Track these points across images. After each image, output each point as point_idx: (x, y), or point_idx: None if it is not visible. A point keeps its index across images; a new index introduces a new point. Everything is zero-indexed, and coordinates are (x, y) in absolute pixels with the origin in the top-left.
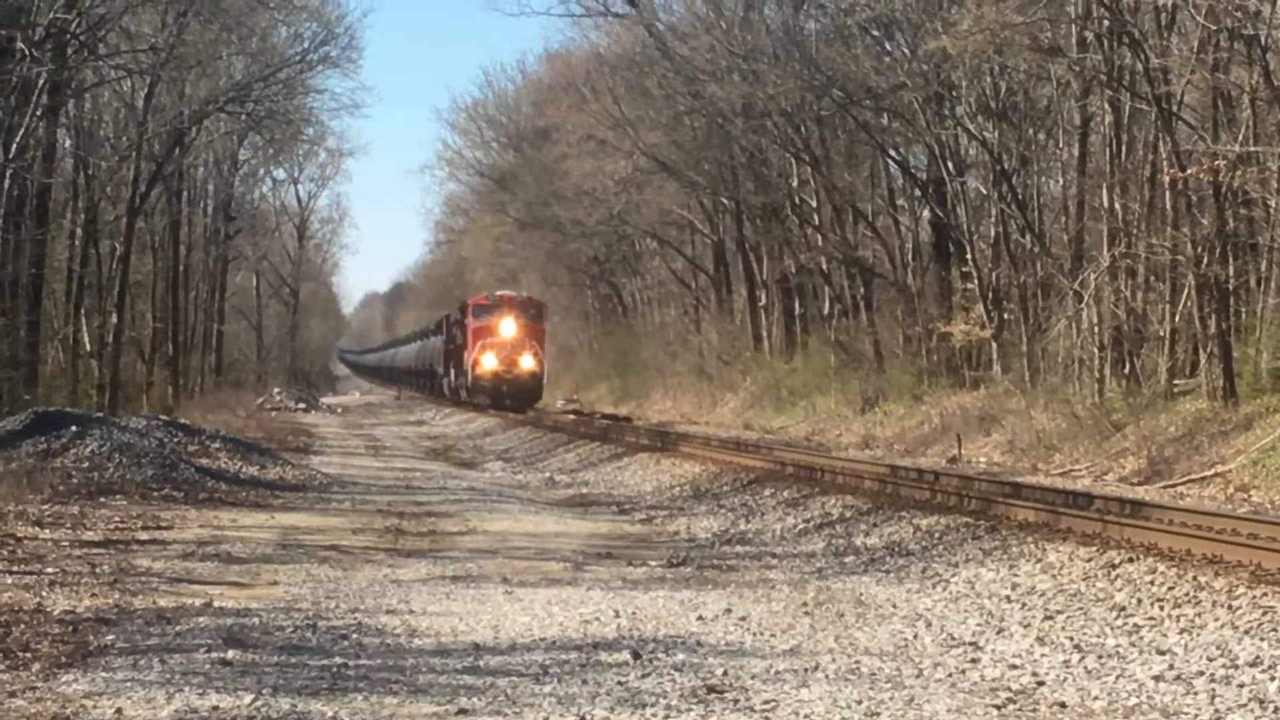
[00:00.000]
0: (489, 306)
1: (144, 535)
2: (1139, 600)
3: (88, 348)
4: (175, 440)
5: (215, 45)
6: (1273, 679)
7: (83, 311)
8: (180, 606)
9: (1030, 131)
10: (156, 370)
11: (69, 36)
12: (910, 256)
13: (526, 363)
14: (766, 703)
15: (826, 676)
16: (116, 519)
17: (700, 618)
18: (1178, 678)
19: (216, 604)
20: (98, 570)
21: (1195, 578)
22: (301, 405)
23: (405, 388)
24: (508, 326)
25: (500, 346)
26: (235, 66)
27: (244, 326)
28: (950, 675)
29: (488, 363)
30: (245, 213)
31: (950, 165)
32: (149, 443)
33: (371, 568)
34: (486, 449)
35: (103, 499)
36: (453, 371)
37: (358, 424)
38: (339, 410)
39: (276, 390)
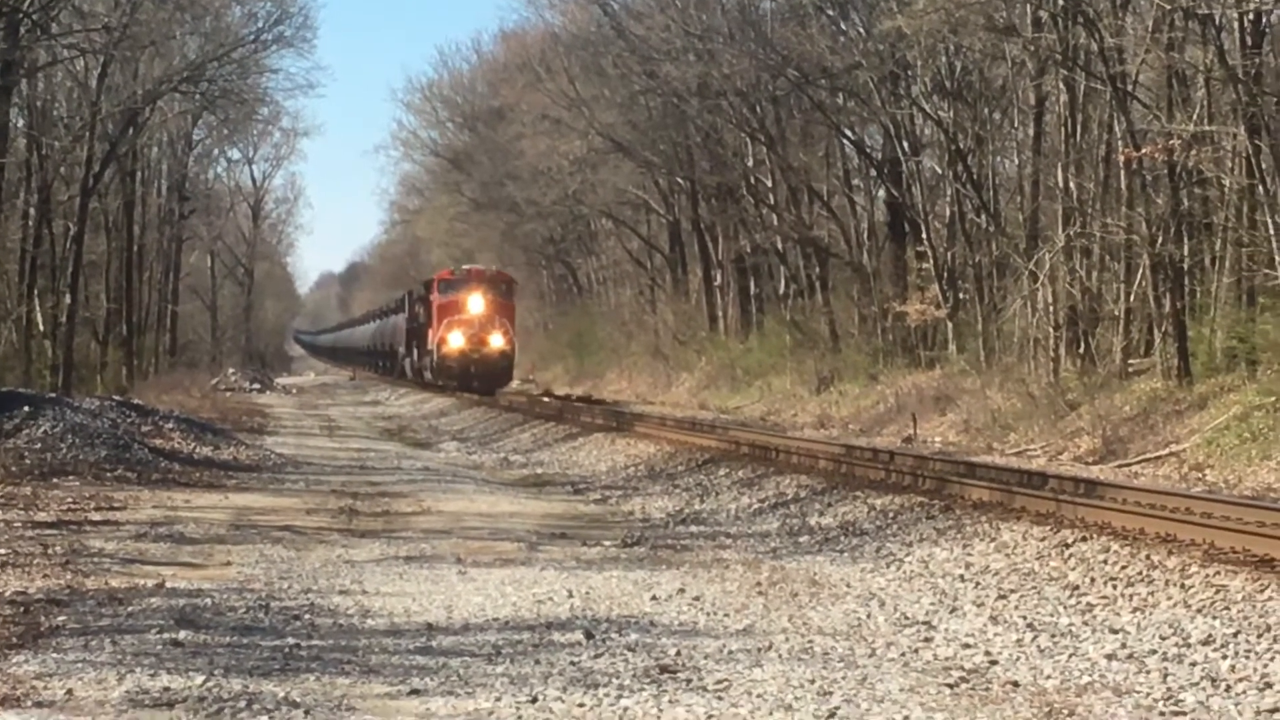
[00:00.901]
0: (456, 282)
1: (97, 516)
2: (1092, 579)
3: (41, 328)
4: (129, 421)
5: (169, 24)
6: (1225, 657)
7: (36, 292)
8: (132, 587)
9: (985, 111)
10: (111, 351)
11: (21, 15)
12: (865, 236)
13: (496, 341)
14: (719, 682)
15: (779, 656)
16: (69, 500)
17: (654, 598)
18: (1130, 656)
19: (169, 585)
20: (50, 551)
21: (1148, 557)
22: (256, 386)
23: (361, 368)
24: (476, 303)
25: (468, 324)
26: (189, 46)
27: (198, 307)
28: (903, 654)
29: (454, 341)
30: (200, 193)
31: (905, 145)
32: (102, 423)
33: (325, 548)
34: (441, 429)
35: (55, 480)
36: (416, 351)
37: (312, 404)
38: (294, 391)
39: (231, 371)
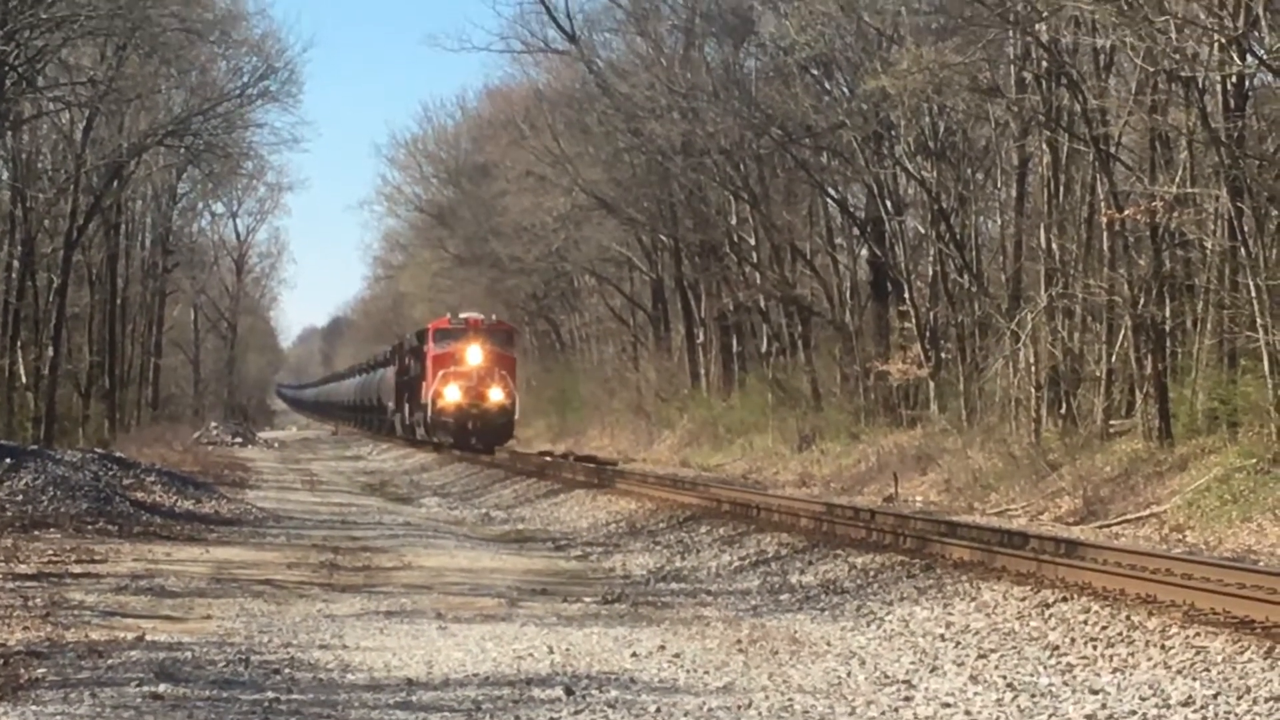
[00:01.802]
0: (452, 331)
1: (77, 568)
2: (1072, 639)
3: (23, 380)
4: (110, 474)
5: (154, 79)
6: (1204, 719)
7: (19, 344)
8: (112, 640)
9: (968, 171)
10: (93, 403)
11: (7, 68)
12: (848, 295)
13: (496, 396)
14: None
15: (759, 714)
16: (50, 552)
17: (634, 654)
18: (1110, 717)
19: (149, 638)
20: (30, 603)
21: (1129, 617)
22: (238, 439)
23: (345, 423)
24: (474, 354)
25: (465, 376)
26: (174, 100)
27: (181, 360)
28: (883, 713)
29: (450, 395)
30: (183, 246)
31: (889, 204)
32: (84, 476)
33: (305, 602)
34: (423, 484)
35: (36, 532)
36: (408, 406)
37: (295, 458)
38: (276, 445)
39: (213, 424)
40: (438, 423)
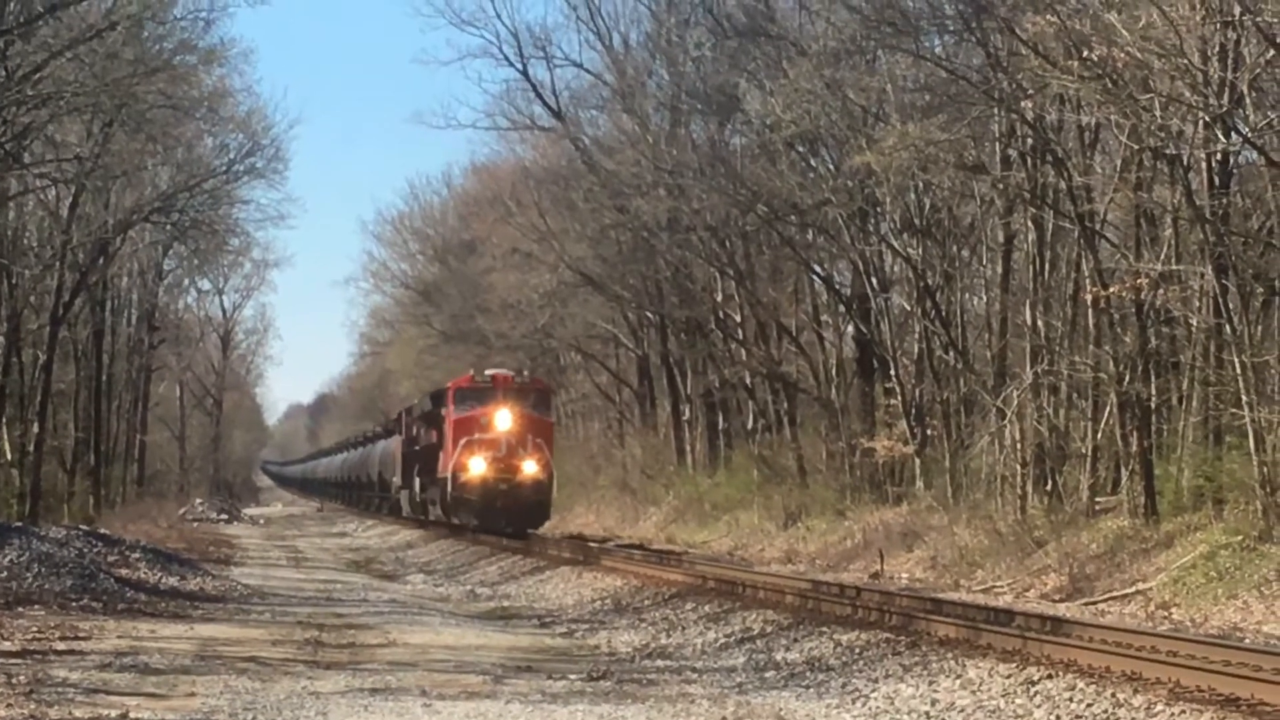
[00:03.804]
0: (477, 391)
1: (61, 645)
2: (1058, 717)
3: (8, 457)
4: (95, 550)
5: (140, 155)
6: None
7: (4, 420)
8: (96, 717)
9: (954, 248)
10: (78, 480)
11: None
12: (834, 372)
13: (529, 468)
14: None
15: None
16: (34, 629)
17: None
18: None
19: (133, 715)
20: (14, 680)
21: (1114, 695)
22: (223, 516)
23: (331, 500)
24: (503, 418)
25: (493, 445)
26: (160, 176)
27: (167, 437)
28: None
29: (475, 468)
30: (169, 323)
31: (874, 281)
32: (68, 553)
33: (290, 679)
34: (409, 561)
35: (20, 609)
36: (419, 481)
37: (280, 535)
38: (261, 521)
39: (199, 501)
40: (459, 500)
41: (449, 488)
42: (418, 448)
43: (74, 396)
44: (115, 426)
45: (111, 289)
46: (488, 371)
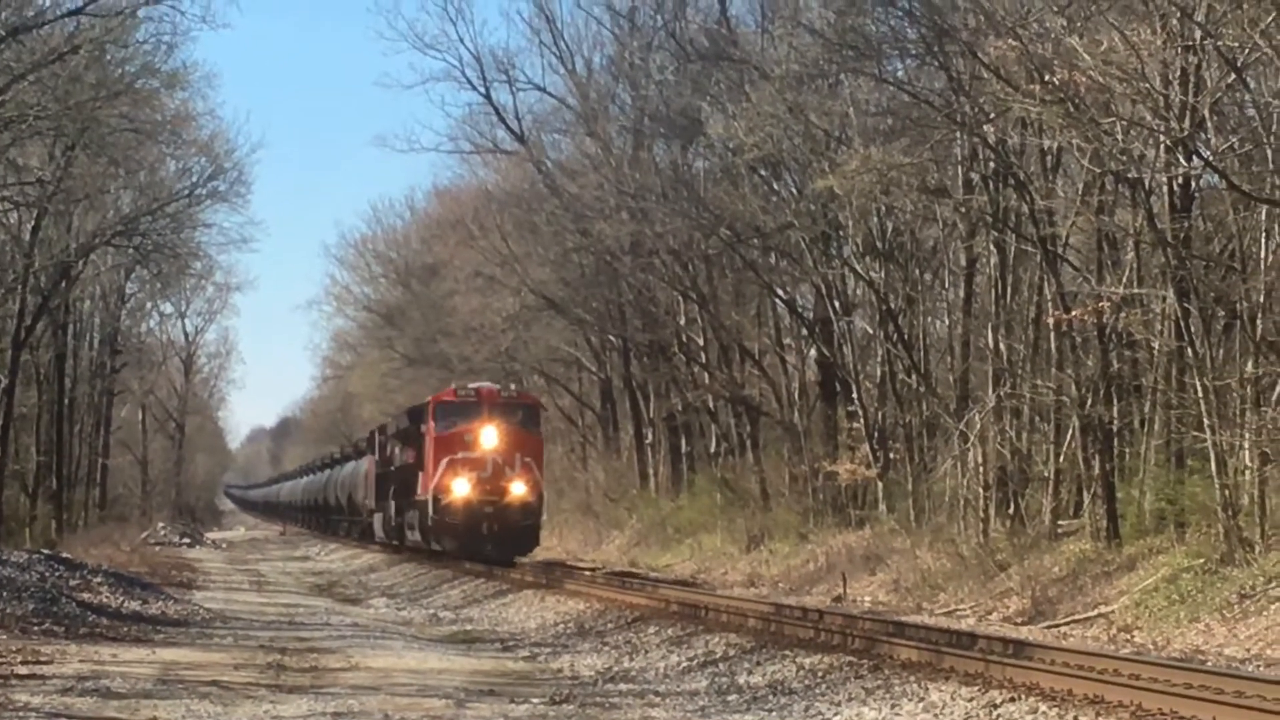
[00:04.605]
0: (460, 406)
1: (23, 670)
2: None
3: None
4: (57, 574)
5: (103, 179)
6: None
7: None
8: None
9: (916, 272)
10: (40, 504)
11: None
12: (796, 395)
13: (517, 489)
14: None
15: None
16: None
17: None
18: None
19: None
20: None
21: (1076, 718)
22: (186, 540)
23: (293, 524)
24: (489, 436)
25: (478, 465)
26: (123, 200)
27: (129, 460)
28: None
29: (459, 489)
30: (131, 347)
31: (837, 305)
32: (30, 577)
33: (252, 703)
34: (371, 585)
35: None
36: (394, 505)
37: (242, 559)
38: (224, 545)
39: (161, 525)
40: (441, 525)
41: (429, 511)
42: (393, 468)
43: (36, 420)
44: (77, 450)
45: (74, 313)
46: (471, 385)
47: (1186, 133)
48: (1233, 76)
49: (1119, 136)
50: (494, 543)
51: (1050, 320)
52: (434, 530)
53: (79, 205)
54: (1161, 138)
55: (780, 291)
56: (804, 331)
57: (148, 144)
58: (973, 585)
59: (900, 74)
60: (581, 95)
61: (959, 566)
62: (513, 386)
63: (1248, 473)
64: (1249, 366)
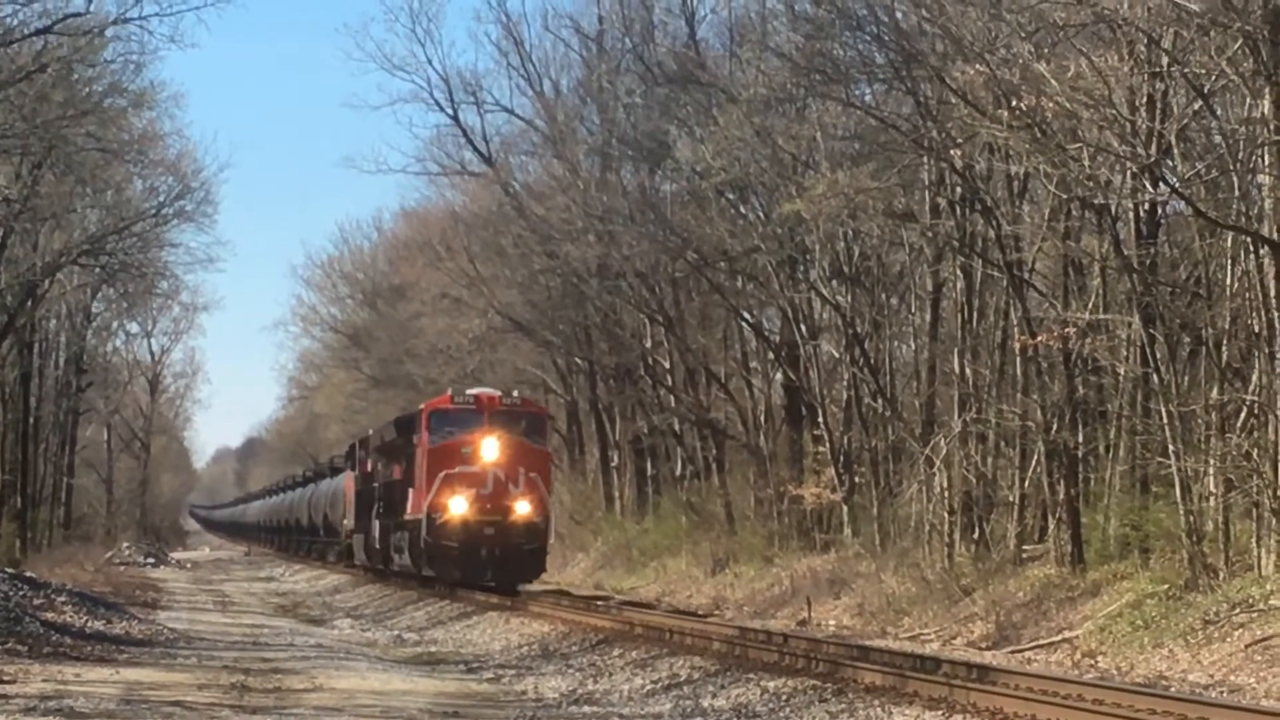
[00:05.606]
0: (457, 415)
1: None
2: None
3: None
4: (20, 594)
5: (69, 197)
6: None
7: None
8: None
9: (883, 296)
10: (4, 523)
11: None
12: (762, 419)
13: (521, 508)
14: None
15: None
16: None
17: None
18: None
19: None
20: None
21: None
22: (150, 560)
23: (259, 544)
24: (490, 447)
25: (477, 480)
26: (89, 219)
27: (94, 480)
28: None
29: (456, 507)
30: (97, 366)
31: (803, 329)
32: None
33: None
34: (336, 606)
35: None
36: (378, 524)
37: (207, 579)
38: (188, 565)
39: (125, 545)
40: (435, 548)
41: (422, 532)
42: (377, 485)
43: (1, 439)
44: (42, 469)
45: (39, 331)
46: (470, 391)
47: (1153, 159)
48: (1199, 103)
49: (1085, 162)
50: (495, 568)
51: (1016, 345)
52: (427, 554)
53: (45, 224)
54: (1128, 164)
55: (747, 315)
56: (770, 355)
57: (115, 163)
58: (937, 610)
59: (868, 99)
60: (549, 118)
61: (924, 591)
62: (515, 393)
63: (1212, 499)
64: (1214, 393)
